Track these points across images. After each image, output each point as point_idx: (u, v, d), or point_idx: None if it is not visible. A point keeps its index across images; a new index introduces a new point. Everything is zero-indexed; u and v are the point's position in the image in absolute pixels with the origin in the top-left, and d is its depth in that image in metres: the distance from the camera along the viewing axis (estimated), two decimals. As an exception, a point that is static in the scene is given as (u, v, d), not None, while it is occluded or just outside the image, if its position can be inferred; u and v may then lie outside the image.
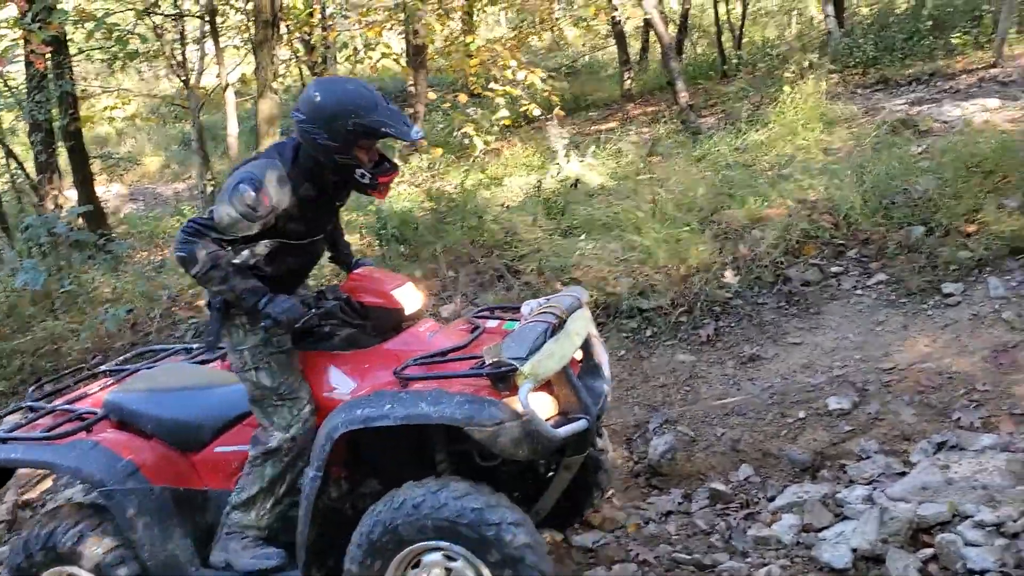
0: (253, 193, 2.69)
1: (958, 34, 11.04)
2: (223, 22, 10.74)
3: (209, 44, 10.10)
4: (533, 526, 2.69)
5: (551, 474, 3.22)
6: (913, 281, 4.93)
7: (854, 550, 3.20)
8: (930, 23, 11.81)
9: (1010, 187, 5.20)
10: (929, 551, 3.09)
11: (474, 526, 2.56)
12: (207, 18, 9.31)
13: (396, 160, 3.10)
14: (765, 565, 3.28)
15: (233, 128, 10.01)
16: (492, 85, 9.31)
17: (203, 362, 3.68)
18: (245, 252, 2.88)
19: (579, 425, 2.71)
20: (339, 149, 2.75)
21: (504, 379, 2.57)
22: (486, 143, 9.21)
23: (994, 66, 9.79)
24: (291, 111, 2.90)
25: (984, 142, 5.83)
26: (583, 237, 5.90)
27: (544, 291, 5.25)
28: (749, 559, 3.39)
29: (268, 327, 2.79)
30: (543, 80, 9.42)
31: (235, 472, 3.03)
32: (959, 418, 3.97)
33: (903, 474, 3.65)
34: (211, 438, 3.13)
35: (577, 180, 7.20)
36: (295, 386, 2.92)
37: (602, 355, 3.17)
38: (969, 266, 4.89)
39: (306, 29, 11.08)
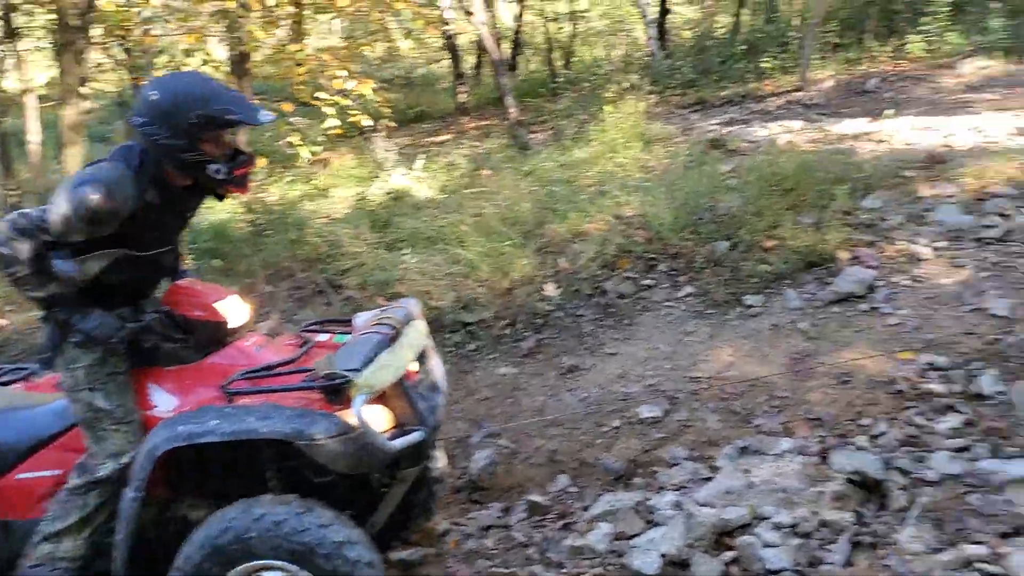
0: (95, 196, 2.46)
1: (768, 59, 11.77)
2: (29, 22, 10.03)
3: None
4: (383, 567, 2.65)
5: (385, 488, 3.15)
6: (718, 293, 5.17)
7: (663, 556, 3.24)
8: (744, 48, 12.54)
9: (806, 205, 5.55)
10: (731, 554, 3.18)
11: (331, 558, 2.48)
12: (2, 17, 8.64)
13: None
14: (580, 575, 3.32)
15: (35, 135, 9.33)
16: (320, 94, 9.11)
17: (3, 384, 3.38)
18: (84, 262, 2.64)
19: (414, 437, 2.67)
20: (185, 147, 2.56)
21: (337, 392, 2.50)
22: (313, 153, 8.99)
23: (799, 90, 10.50)
24: (130, 117, 2.70)
25: (786, 162, 6.20)
26: (408, 251, 5.86)
27: (366, 306, 5.16)
28: (564, 569, 3.42)
29: (79, 343, 2.62)
30: (374, 91, 9.31)
31: (41, 499, 2.79)
32: (760, 424, 4.12)
33: (709, 479, 3.76)
34: (13, 464, 2.86)
35: (400, 192, 7.15)
36: (130, 409, 2.73)
37: (438, 367, 3.14)
38: (769, 279, 5.16)
39: (120, 33, 10.47)
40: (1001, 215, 5.17)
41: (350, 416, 2.47)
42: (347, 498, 3.02)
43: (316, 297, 5.73)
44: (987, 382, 3.81)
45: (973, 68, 9.83)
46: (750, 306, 5.04)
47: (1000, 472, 3.19)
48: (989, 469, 3.23)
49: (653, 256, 5.60)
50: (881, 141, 7.27)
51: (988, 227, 5.08)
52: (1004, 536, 2.83)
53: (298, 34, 12.13)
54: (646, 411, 4.41)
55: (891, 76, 10.24)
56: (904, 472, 3.35)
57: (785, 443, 3.87)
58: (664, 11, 14.78)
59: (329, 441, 2.46)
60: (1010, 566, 2.64)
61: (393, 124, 9.88)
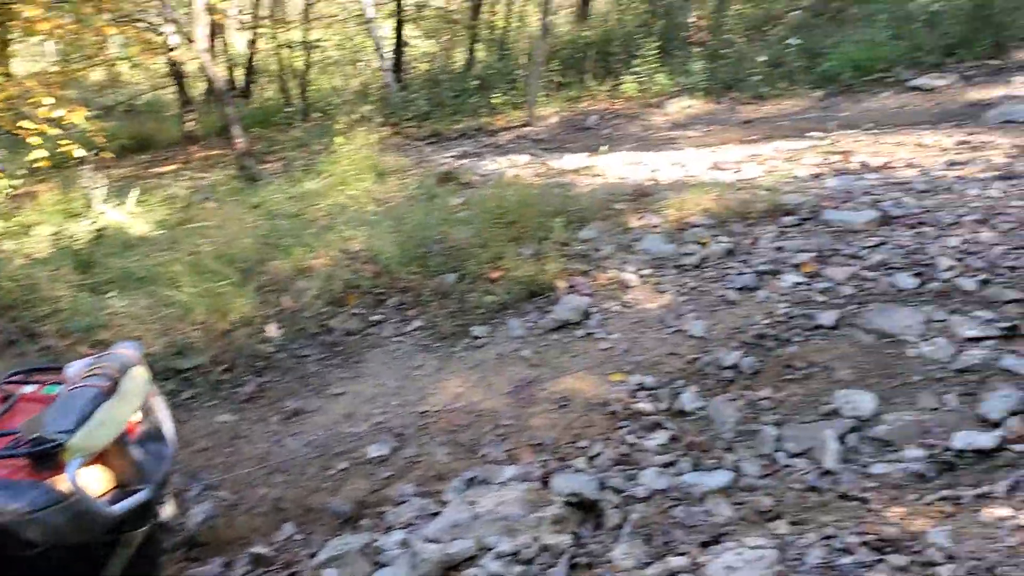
0: None
1: (498, 94, 12.21)
2: None
3: None
4: None
5: (107, 553, 2.84)
6: (446, 326, 5.20)
7: (390, 598, 3.20)
8: (477, 83, 12.93)
9: (527, 236, 5.76)
10: (458, 588, 3.19)
11: None
12: None
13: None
14: (303, 626, 3.17)
15: None
16: (25, 123, 8.30)
17: None
18: None
19: (139, 498, 2.45)
20: None
21: (47, 457, 2.21)
22: (13, 187, 8.16)
23: (527, 125, 11.00)
24: None
25: (511, 195, 6.41)
26: (115, 293, 5.41)
27: (67, 355, 4.69)
28: (288, 622, 3.27)
29: None
30: (88, 119, 8.64)
31: None
32: (487, 453, 4.15)
33: (437, 514, 3.74)
34: None
35: (103, 230, 6.62)
36: None
37: (164, 415, 2.89)
38: (494, 309, 5.27)
39: None
40: (699, 243, 5.64)
41: (64, 483, 2.22)
42: (63, 569, 2.71)
43: (7, 348, 5.12)
44: (688, 399, 4.10)
45: (678, 107, 10.77)
46: (477, 337, 5.11)
47: (700, 484, 3.42)
48: (691, 482, 3.45)
49: (382, 291, 5.55)
50: (597, 175, 7.74)
51: (687, 255, 5.53)
52: (704, 545, 3.01)
53: (1, 57, 11.04)
54: (374, 450, 4.32)
55: (608, 114, 10.97)
56: (617, 490, 3.49)
57: (509, 471, 3.92)
58: (400, 43, 14.94)
59: (37, 515, 2.20)
60: (707, 574, 2.81)
61: (111, 154, 9.24)
